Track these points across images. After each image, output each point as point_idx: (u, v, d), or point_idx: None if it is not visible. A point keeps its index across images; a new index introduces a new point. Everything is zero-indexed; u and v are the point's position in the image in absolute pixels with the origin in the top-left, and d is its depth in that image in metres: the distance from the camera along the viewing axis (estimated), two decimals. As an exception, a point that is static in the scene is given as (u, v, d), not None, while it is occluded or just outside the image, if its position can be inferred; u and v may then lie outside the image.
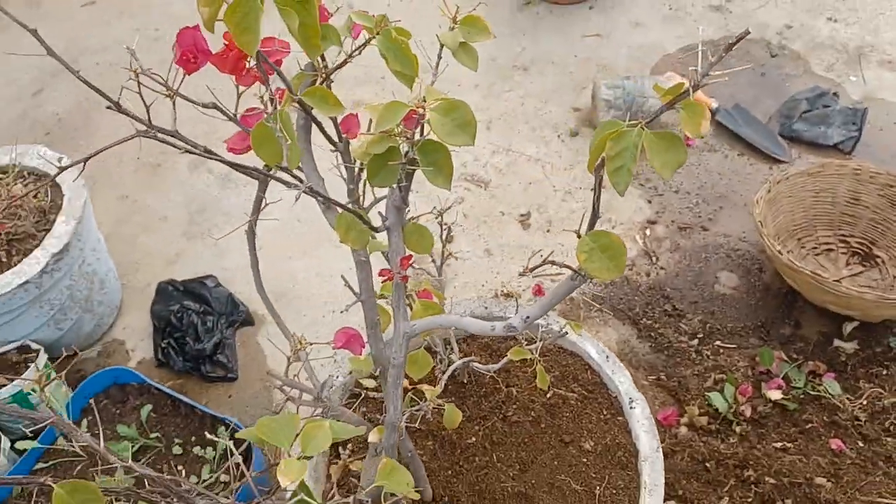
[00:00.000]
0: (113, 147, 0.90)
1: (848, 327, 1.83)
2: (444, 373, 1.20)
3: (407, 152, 0.85)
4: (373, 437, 1.02)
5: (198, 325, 2.04)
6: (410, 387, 1.28)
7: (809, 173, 1.99)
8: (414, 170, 0.86)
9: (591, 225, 0.81)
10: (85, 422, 1.79)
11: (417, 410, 1.09)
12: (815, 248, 2.02)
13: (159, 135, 0.86)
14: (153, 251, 2.27)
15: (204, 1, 0.75)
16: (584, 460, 1.30)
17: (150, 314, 2.11)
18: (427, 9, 2.87)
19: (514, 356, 1.21)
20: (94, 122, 2.61)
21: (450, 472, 1.31)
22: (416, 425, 1.36)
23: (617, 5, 2.78)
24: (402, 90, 0.85)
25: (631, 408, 1.32)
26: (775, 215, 1.98)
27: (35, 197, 1.86)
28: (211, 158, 0.91)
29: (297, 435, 0.73)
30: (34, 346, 1.84)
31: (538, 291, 2.05)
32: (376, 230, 0.93)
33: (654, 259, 2.09)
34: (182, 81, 0.85)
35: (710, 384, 1.81)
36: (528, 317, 0.89)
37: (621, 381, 1.35)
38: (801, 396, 1.72)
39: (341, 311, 1.14)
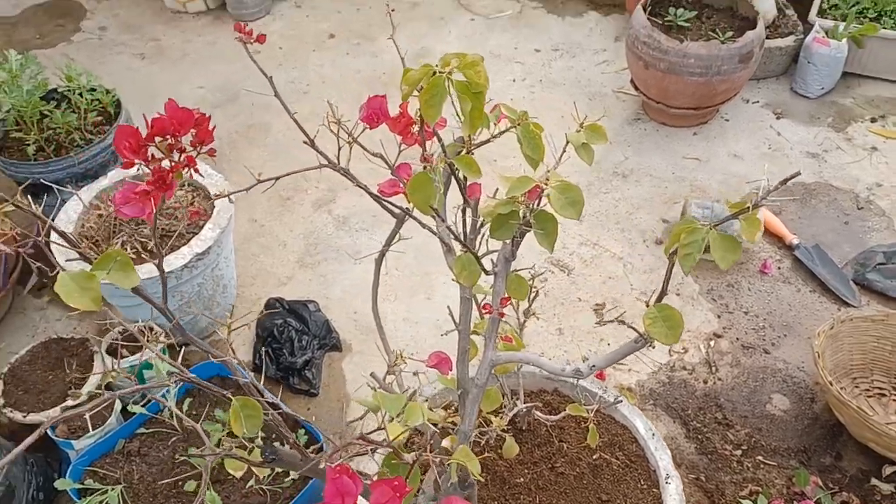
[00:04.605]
0: (285, 177, 1.20)
1: (888, 469, 1.92)
2: (510, 411, 1.40)
3: (525, 216, 1.09)
4: (445, 443, 1.23)
5: (294, 341, 2.30)
6: (479, 418, 1.48)
7: (873, 319, 2.12)
8: (527, 231, 1.10)
9: (659, 299, 1.03)
10: (187, 402, 2.06)
11: (484, 433, 1.30)
12: (868, 390, 2.13)
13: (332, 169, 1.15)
14: (269, 270, 2.59)
15: (407, 81, 1.03)
16: (616, 519, 1.46)
17: (256, 324, 2.39)
18: (546, 104, 3.18)
19: (571, 411, 1.41)
20: (240, 149, 3.00)
21: (496, 502, 1.49)
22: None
23: (719, 136, 3.01)
24: (515, 170, 1.11)
25: (667, 483, 1.48)
26: (835, 352, 2.11)
27: (191, 204, 2.20)
28: (369, 193, 1.18)
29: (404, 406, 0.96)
30: (157, 328, 2.15)
31: (599, 376, 2.24)
32: (487, 273, 1.17)
33: (713, 369, 2.24)
34: (361, 133, 1.14)
35: (745, 494, 1.93)
36: (593, 365, 1.10)
37: (662, 457, 1.51)
38: (830, 522, 1.82)
39: (441, 335, 1.37)
